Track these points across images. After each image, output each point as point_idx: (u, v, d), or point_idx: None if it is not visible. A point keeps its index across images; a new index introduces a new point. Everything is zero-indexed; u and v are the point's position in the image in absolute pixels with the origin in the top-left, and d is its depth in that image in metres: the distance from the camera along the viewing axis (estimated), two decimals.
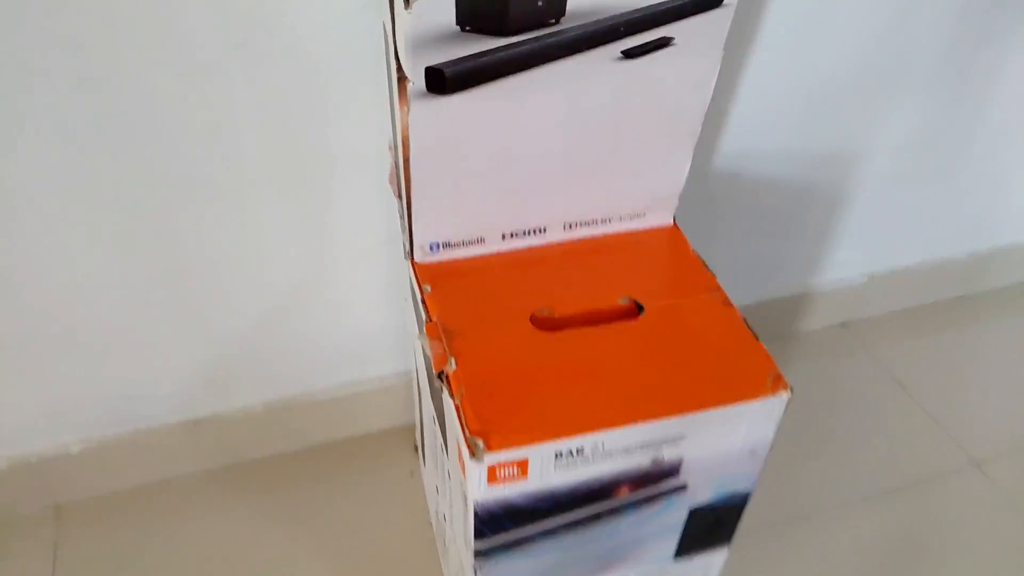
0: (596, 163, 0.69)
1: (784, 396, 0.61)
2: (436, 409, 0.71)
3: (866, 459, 1.10)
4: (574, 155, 0.68)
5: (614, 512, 0.64)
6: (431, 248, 0.70)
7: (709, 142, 0.95)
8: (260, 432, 1.03)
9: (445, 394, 0.61)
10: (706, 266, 0.71)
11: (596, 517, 0.64)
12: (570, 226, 0.74)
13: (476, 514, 0.58)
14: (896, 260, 1.25)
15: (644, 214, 0.75)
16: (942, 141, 1.09)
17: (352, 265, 0.91)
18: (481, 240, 0.72)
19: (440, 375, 0.61)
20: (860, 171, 1.08)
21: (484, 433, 0.55)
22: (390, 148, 0.68)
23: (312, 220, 0.85)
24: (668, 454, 0.61)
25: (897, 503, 1.05)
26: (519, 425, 0.56)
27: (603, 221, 0.74)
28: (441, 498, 0.81)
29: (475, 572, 0.64)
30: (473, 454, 0.55)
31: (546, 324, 0.65)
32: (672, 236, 0.76)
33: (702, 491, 0.67)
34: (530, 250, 0.73)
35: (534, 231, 0.73)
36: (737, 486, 0.68)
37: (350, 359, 1.00)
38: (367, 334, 0.99)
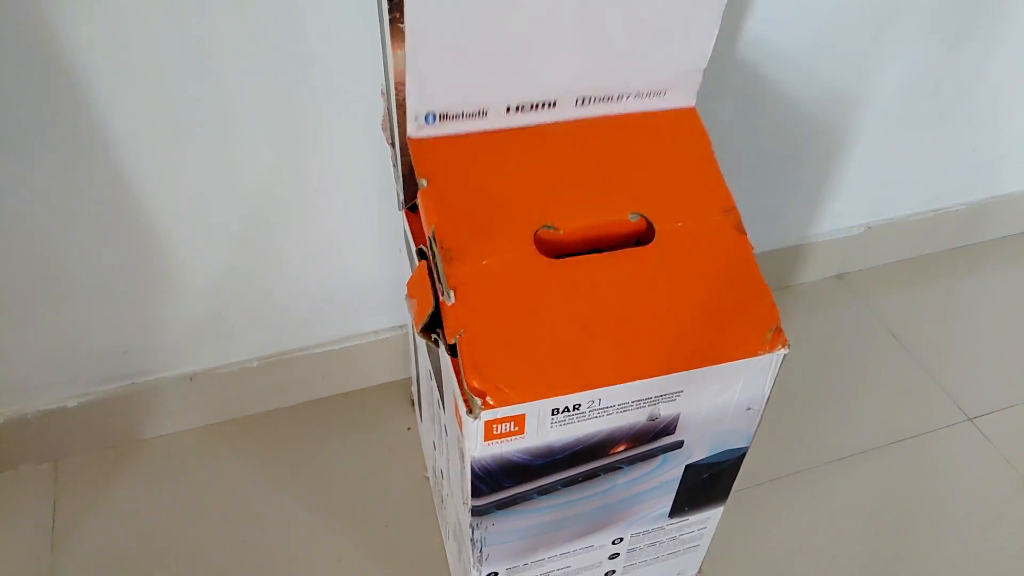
0: (614, 26, 0.61)
1: (781, 352, 0.61)
2: (432, 364, 0.71)
3: (861, 413, 1.10)
4: (589, 12, 0.60)
5: (610, 469, 0.65)
6: (427, 119, 0.62)
7: (707, 81, 0.93)
8: (256, 387, 1.03)
9: (441, 349, 0.60)
10: (721, 174, 0.66)
11: (593, 474, 0.64)
12: (583, 101, 0.65)
13: (473, 471, 0.58)
14: (894, 210, 1.24)
15: (664, 92, 0.66)
16: (944, 85, 1.07)
17: (345, 214, 0.89)
18: (483, 113, 0.63)
19: (435, 334, 0.60)
20: (860, 115, 1.06)
21: (481, 390, 0.55)
22: (382, 94, 0.66)
23: (302, 165, 0.84)
24: (665, 411, 0.61)
25: (891, 458, 1.05)
26: (516, 381, 0.56)
27: (619, 97, 0.66)
28: (438, 454, 0.81)
29: (472, 529, 0.65)
30: (470, 410, 0.54)
31: (551, 247, 0.60)
32: (691, 125, 0.68)
33: (698, 448, 0.67)
34: (538, 128, 0.65)
35: (543, 105, 0.64)
36: (733, 443, 0.68)
37: (345, 313, 1.00)
38: (362, 287, 0.98)
